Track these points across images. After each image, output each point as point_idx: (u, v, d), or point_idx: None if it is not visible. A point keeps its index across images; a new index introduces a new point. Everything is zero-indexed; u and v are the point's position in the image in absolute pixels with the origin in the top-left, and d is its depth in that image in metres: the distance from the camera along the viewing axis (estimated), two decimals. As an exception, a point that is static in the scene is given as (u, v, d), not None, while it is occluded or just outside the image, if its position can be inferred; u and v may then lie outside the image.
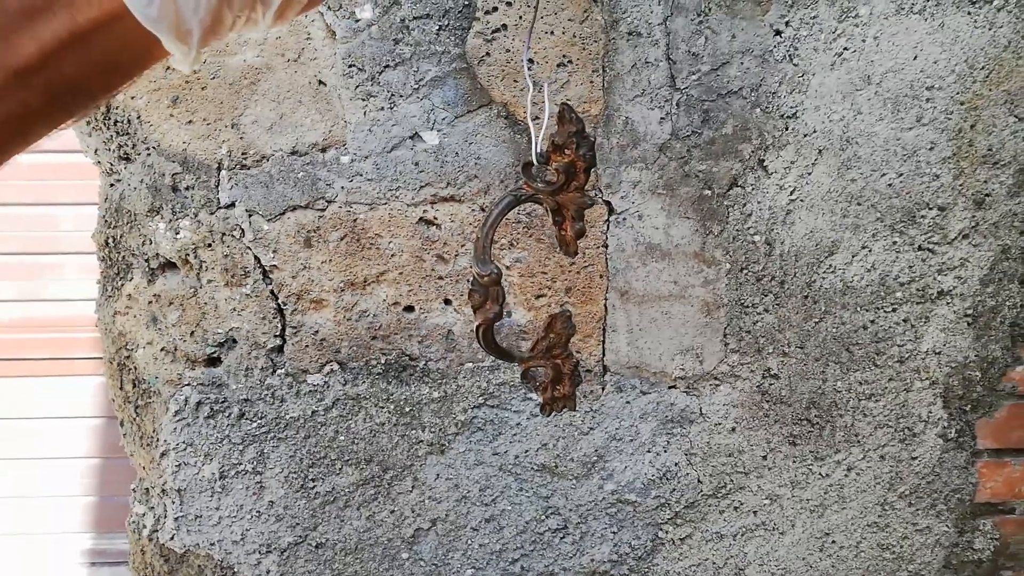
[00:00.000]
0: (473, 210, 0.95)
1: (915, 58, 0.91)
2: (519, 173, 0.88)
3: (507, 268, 0.97)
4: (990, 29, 0.90)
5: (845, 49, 0.91)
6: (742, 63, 0.91)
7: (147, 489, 1.07)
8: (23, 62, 0.29)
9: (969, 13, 0.89)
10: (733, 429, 1.04)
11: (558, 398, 0.61)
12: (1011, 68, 0.91)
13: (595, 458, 1.04)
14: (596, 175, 0.94)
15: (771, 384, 1.02)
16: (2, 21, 0.29)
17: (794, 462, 1.05)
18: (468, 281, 0.95)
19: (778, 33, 0.90)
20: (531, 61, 0.90)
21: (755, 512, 1.07)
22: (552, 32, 0.89)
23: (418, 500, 1.05)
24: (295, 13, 0.33)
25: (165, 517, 1.06)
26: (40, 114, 0.31)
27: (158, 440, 1.03)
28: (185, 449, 1.03)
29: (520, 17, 0.89)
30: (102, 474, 2.25)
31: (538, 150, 0.50)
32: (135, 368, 1.02)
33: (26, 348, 2.22)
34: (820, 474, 1.06)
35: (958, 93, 0.92)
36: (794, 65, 0.91)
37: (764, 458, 1.05)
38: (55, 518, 2.26)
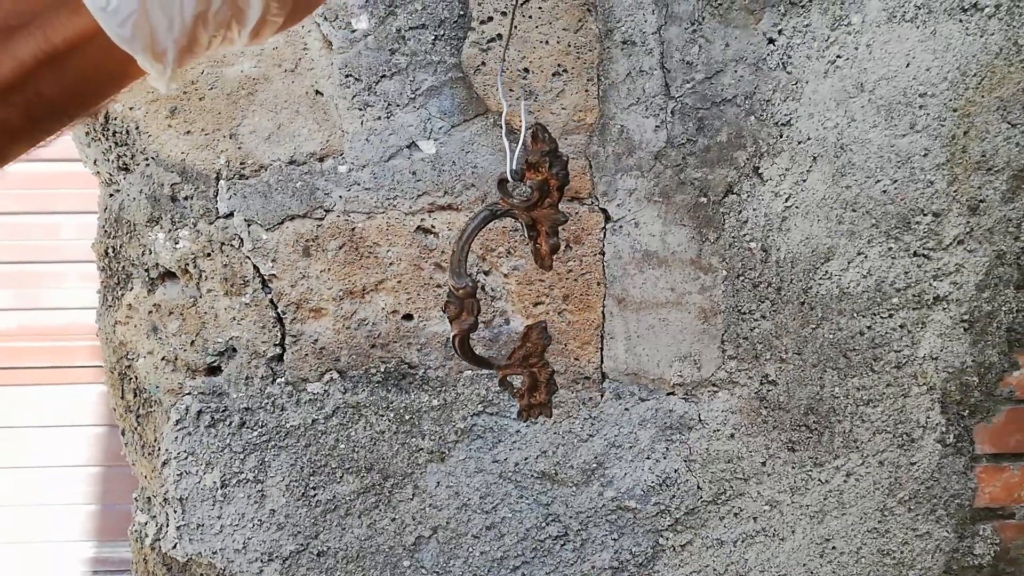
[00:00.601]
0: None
1: (908, 65, 0.91)
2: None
3: (505, 276, 0.98)
4: (982, 36, 0.90)
5: (838, 57, 0.91)
6: (736, 71, 0.92)
7: (149, 498, 1.07)
8: (1, 80, 0.29)
9: (961, 21, 0.90)
10: (732, 435, 1.04)
11: (534, 405, 0.62)
12: (1003, 75, 0.92)
13: (595, 465, 1.05)
14: (592, 183, 0.95)
15: (769, 390, 1.03)
16: None
17: (793, 468, 1.05)
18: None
19: (771, 41, 0.91)
20: (526, 71, 0.91)
21: (755, 518, 1.07)
22: (547, 42, 0.90)
23: (419, 508, 1.05)
24: (271, 33, 0.33)
25: (167, 526, 1.06)
26: (19, 131, 0.31)
27: (159, 449, 1.04)
28: (186, 458, 1.03)
29: (516, 27, 0.90)
30: (104, 482, 2.26)
31: (513, 167, 0.51)
32: (136, 378, 1.03)
33: (27, 356, 2.22)
34: (819, 480, 1.06)
35: (951, 100, 0.93)
36: (788, 73, 0.92)
37: (763, 464, 1.05)
38: (57, 526, 2.26)
